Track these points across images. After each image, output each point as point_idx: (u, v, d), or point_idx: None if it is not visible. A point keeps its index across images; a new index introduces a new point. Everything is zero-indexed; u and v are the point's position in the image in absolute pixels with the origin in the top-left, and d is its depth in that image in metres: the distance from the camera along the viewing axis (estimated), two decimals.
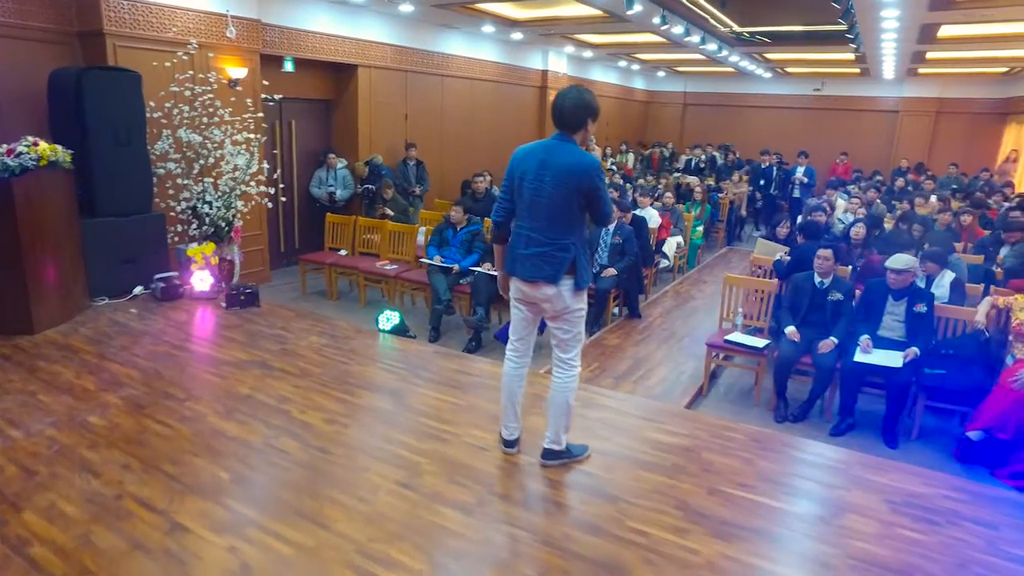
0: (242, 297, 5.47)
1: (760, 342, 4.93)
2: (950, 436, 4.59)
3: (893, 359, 4.36)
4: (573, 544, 2.62)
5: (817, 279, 4.82)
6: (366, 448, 3.29)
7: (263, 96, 7.06)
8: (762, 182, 11.68)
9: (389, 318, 5.06)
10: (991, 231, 7.47)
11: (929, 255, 5.04)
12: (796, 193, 11.31)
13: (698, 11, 8.73)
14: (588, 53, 12.61)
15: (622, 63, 14.35)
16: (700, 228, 9.24)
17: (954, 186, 11.70)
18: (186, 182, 5.91)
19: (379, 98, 8.90)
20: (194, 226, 5.96)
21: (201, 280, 5.65)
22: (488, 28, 9.72)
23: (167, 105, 5.79)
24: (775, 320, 5.10)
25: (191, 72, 5.92)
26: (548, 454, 3.19)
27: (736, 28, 10.09)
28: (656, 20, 8.21)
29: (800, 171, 11.22)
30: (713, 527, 2.77)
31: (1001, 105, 13.55)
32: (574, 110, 2.87)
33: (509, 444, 3.29)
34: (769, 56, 12.26)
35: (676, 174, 11.69)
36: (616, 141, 15.32)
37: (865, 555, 2.63)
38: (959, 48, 9.79)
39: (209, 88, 5.97)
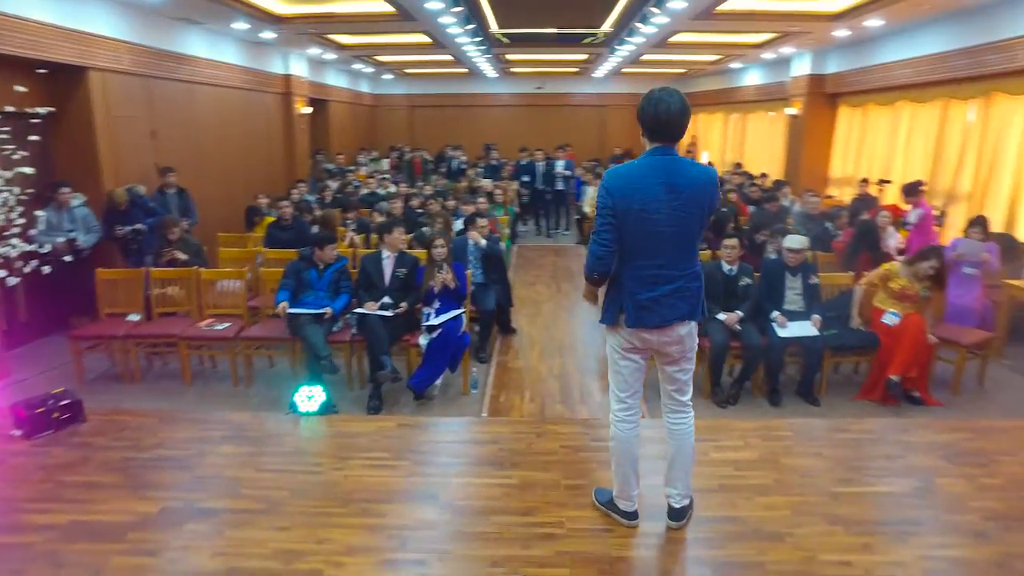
0: (55, 414, 3.66)
1: None
2: (841, 387, 5.33)
3: (807, 329, 4.87)
4: None
5: (726, 267, 5.13)
6: None
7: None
8: (527, 178, 12.16)
9: (311, 395, 3.88)
10: (755, 206, 8.94)
11: (781, 231, 5.75)
12: (560, 186, 12.08)
13: (479, 11, 8.59)
14: (331, 55, 11.56)
15: (356, 66, 13.53)
16: (507, 230, 9.24)
17: None
18: None
19: (119, 111, 6.82)
20: None
21: None
22: (241, 25, 8.18)
23: None
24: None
25: None
26: (681, 513, 2.76)
27: (495, 29, 10.23)
28: (453, 20, 7.85)
29: (561, 165, 11.98)
30: (878, 530, 2.72)
31: None
32: (682, 115, 2.43)
33: (634, 516, 2.77)
34: (509, 57, 12.78)
35: (465, 179, 11.46)
36: (354, 148, 14.49)
37: (990, 513, 2.85)
38: (669, 52, 11.45)
39: None
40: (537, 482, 3.13)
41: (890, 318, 4.93)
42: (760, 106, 12.87)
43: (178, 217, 7.19)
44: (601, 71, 14.15)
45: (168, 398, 5.06)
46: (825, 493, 3.02)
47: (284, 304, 4.95)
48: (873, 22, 7.81)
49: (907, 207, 6.83)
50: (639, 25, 7.81)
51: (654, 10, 6.53)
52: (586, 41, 11.41)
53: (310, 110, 11.60)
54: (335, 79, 13.58)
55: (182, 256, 6.01)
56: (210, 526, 2.77)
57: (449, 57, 12.16)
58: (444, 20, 8.09)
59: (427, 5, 7.20)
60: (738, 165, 12.84)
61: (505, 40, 11.02)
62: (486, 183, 9.88)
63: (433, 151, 15.14)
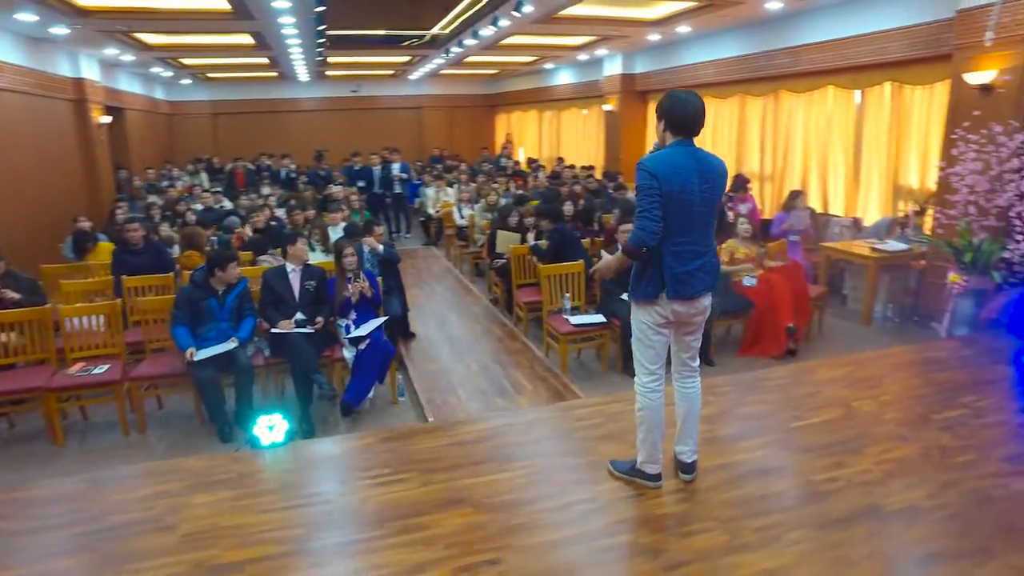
0: None
1: (599, 318, 5.46)
2: (721, 347, 6.11)
3: None
4: (831, 522, 2.75)
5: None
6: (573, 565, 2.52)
7: None
8: (362, 183, 11.85)
9: (272, 426, 3.56)
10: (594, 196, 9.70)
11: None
12: (398, 189, 11.97)
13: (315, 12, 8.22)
14: (129, 57, 10.20)
15: (155, 69, 12.07)
16: None
17: (491, 164, 14.34)
18: None
19: None
20: None
21: None
22: (27, 16, 6.93)
23: None
24: (606, 294, 5.64)
25: None
26: (693, 467, 3.08)
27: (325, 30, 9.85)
28: (292, 19, 7.44)
29: (397, 167, 11.87)
30: (838, 449, 3.30)
31: (492, 99, 17.10)
32: (703, 114, 2.76)
33: (659, 478, 3.02)
34: (331, 59, 12.32)
35: (314, 189, 10.74)
36: (158, 161, 12.97)
37: (900, 420, 3.59)
38: (493, 54, 11.92)
39: None
40: (548, 468, 3.25)
41: (748, 280, 5.78)
42: (574, 103, 13.92)
43: None
44: (419, 73, 14.22)
45: (39, 466, 4.27)
46: (784, 430, 3.56)
47: (192, 350, 4.41)
48: (683, 28, 8.93)
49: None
50: (489, 27, 8.06)
51: (515, 13, 6.83)
52: (407, 43, 11.44)
53: (109, 119, 10.15)
54: (128, 84, 11.99)
55: (13, 295, 5.04)
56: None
57: (265, 60, 11.41)
58: (284, 20, 7.64)
59: (274, 3, 6.76)
60: (560, 160, 13.76)
61: (326, 42, 10.63)
62: (337, 190, 9.50)
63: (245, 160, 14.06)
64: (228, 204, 9.29)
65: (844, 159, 7.85)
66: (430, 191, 11.57)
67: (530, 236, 6.79)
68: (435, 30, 10.13)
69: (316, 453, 3.52)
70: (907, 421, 3.61)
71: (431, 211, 11.25)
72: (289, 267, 4.99)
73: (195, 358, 4.37)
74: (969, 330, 5.35)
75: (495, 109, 17.41)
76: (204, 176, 11.97)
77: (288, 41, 9.14)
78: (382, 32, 10.33)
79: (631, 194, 9.46)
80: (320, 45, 9.03)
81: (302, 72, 13.29)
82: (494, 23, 7.50)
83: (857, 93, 7.58)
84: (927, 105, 6.78)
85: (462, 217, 9.36)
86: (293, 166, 11.95)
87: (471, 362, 5.70)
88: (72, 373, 4.56)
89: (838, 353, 5.48)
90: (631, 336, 4.77)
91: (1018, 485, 3.01)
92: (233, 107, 15.74)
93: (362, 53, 11.67)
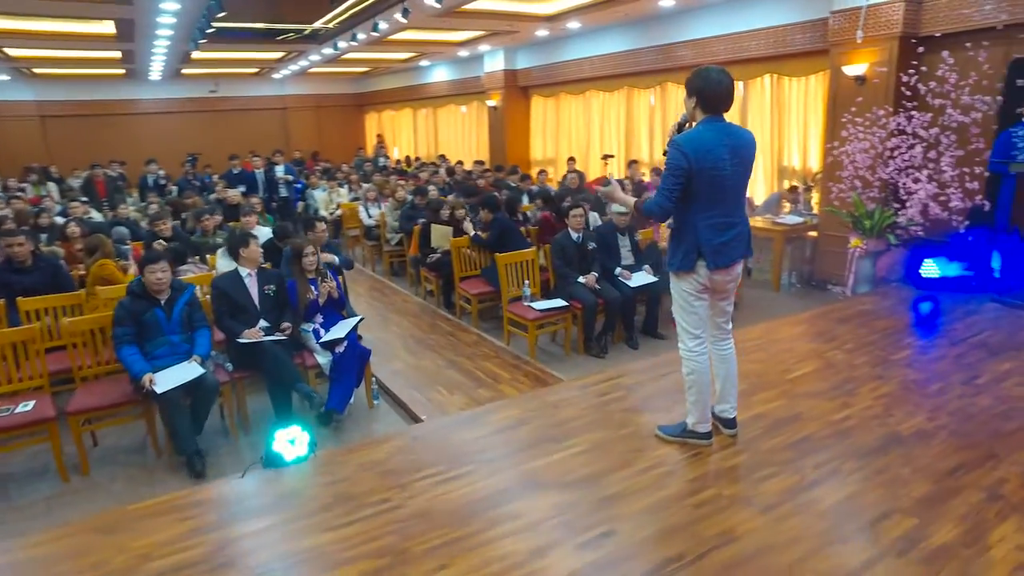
0: None
1: (561, 302, 5.55)
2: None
3: (647, 277, 5.83)
4: (869, 452, 3.08)
5: (574, 235, 5.75)
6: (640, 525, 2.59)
7: None
8: (243, 188, 10.99)
9: (293, 439, 3.24)
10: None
11: (588, 200, 6.66)
12: (283, 192, 11.27)
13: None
14: None
15: None
16: None
17: (370, 164, 13.96)
18: None
19: None
20: None
21: None
22: None
23: None
24: (562, 279, 5.72)
25: None
26: (735, 422, 3.29)
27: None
28: (172, 6, 6.73)
29: (281, 170, 11.18)
30: (836, 393, 3.70)
31: (361, 99, 16.54)
32: (733, 90, 2.95)
33: (711, 435, 3.20)
34: (194, 56, 11.23)
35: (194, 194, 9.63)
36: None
37: (870, 364, 4.08)
38: (373, 50, 11.58)
39: None
40: (601, 442, 3.29)
41: None
42: (452, 100, 13.90)
43: None
44: (285, 72, 13.41)
45: None
46: (784, 383, 3.90)
47: (149, 376, 3.87)
48: (572, 24, 9.28)
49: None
50: (394, 19, 7.81)
51: (435, 4, 6.70)
52: (281, 37, 10.79)
53: None
54: None
55: None
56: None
57: (117, 54, 10.16)
58: (166, 6, 6.88)
59: None
60: (442, 157, 13.71)
61: (213, 32, 9.73)
62: (232, 194, 8.71)
63: (82, 167, 12.37)
64: (96, 215, 8.20)
65: None
66: (319, 193, 11.02)
67: (468, 226, 6.72)
68: (319, 24, 9.62)
69: (348, 462, 3.26)
70: (876, 363, 4.12)
71: (324, 213, 10.71)
72: (243, 271, 4.54)
73: (156, 388, 3.83)
74: (870, 287, 6.15)
75: (364, 108, 16.87)
76: (52, 186, 10.38)
77: (159, 32, 8.23)
78: (263, 25, 9.62)
79: (534, 185, 9.73)
80: (203, 36, 8.18)
81: (156, 69, 11.97)
82: (404, 14, 7.30)
83: (740, 84, 8.37)
84: (803, 94, 7.67)
85: (370, 216, 9.03)
86: (162, 172, 10.78)
87: (435, 358, 5.56)
88: (10, 411, 3.81)
89: (765, 317, 6.01)
90: (592, 317, 4.91)
91: (985, 401, 3.57)
92: (67, 108, 13.74)
93: (235, 48, 10.78)
